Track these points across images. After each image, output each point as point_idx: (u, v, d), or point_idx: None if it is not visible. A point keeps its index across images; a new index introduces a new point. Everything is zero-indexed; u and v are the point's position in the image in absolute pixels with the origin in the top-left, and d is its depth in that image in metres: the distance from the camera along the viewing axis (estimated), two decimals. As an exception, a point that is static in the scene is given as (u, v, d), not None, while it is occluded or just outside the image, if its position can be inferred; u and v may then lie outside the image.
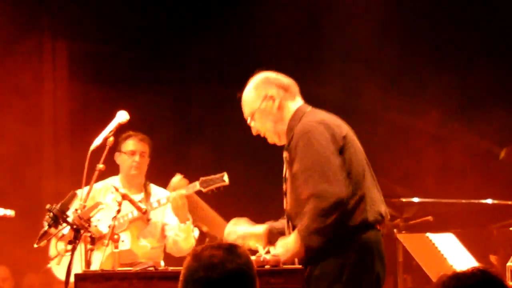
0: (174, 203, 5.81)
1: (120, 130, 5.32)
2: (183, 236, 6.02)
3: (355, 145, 4.53)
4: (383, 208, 4.51)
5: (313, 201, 4.32)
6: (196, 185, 5.64)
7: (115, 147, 5.82)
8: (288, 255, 4.45)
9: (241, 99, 4.72)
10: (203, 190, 5.59)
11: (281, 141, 4.63)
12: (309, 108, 4.64)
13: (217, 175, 5.63)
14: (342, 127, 4.53)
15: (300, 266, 4.46)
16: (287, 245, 4.46)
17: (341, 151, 4.44)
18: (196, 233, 6.06)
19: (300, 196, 4.44)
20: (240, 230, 4.74)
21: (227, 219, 4.99)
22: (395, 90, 8.56)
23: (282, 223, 4.72)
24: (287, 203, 4.61)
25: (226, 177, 5.59)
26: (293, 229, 4.52)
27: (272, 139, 4.68)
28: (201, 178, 5.64)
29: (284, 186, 4.64)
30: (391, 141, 8.08)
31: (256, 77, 4.72)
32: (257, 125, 4.66)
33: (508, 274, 5.53)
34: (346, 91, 8.14)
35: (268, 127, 4.64)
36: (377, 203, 4.49)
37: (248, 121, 4.68)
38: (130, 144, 6.17)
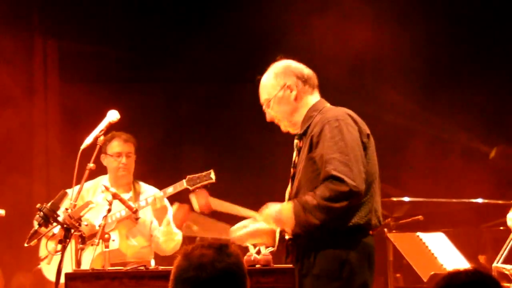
0: (153, 206, 5.81)
1: (110, 129, 5.32)
2: (162, 239, 6.03)
3: (373, 147, 4.55)
4: (380, 216, 4.54)
5: (331, 182, 4.30)
6: (183, 183, 5.63)
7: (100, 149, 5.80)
8: (280, 221, 4.44)
9: (259, 82, 4.68)
10: (190, 188, 5.57)
11: (295, 130, 4.62)
12: (328, 104, 4.64)
13: (204, 173, 5.62)
14: (365, 126, 4.55)
15: (291, 265, 4.47)
16: (282, 211, 4.44)
17: (364, 148, 4.46)
18: (179, 236, 6.06)
19: (316, 178, 4.39)
20: (251, 227, 4.66)
21: (218, 218, 4.97)
22: (385, 89, 8.59)
23: None
24: (292, 187, 4.58)
25: (212, 175, 5.58)
26: None
27: (285, 127, 4.66)
28: (188, 176, 5.62)
29: (291, 171, 4.61)
30: (381, 141, 8.09)
31: (277, 63, 4.69)
32: (272, 113, 4.63)
33: (494, 275, 5.54)
34: (338, 89, 8.15)
35: (283, 116, 4.61)
36: (379, 209, 4.52)
37: (264, 107, 4.66)
38: (115, 146, 6.14)
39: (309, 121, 4.55)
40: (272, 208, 4.51)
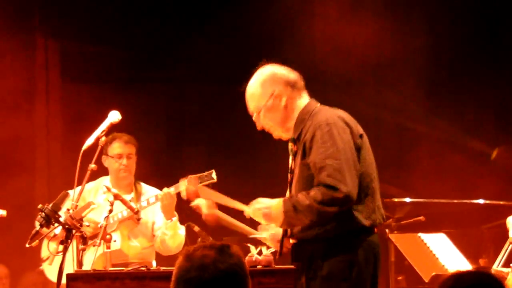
0: (163, 201, 5.81)
1: (111, 130, 5.32)
2: (170, 234, 6.01)
3: (368, 146, 4.54)
4: (383, 212, 4.55)
5: (323, 188, 4.31)
6: (185, 183, 5.63)
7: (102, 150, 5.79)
8: (269, 216, 4.47)
9: (244, 93, 4.66)
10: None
11: (287, 136, 4.60)
12: (318, 104, 4.62)
13: (206, 173, 5.62)
14: (358, 126, 4.54)
15: (292, 266, 4.47)
16: (272, 207, 4.46)
17: (358, 149, 4.44)
18: (182, 230, 6.05)
19: (311, 183, 4.40)
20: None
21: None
22: (388, 89, 8.59)
23: None
24: (290, 192, 4.59)
25: (214, 175, 5.58)
26: None
27: (277, 134, 4.64)
28: (190, 176, 5.62)
29: (289, 177, 4.61)
30: (384, 141, 8.10)
31: (261, 71, 4.65)
32: (262, 122, 4.61)
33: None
34: (340, 89, 8.15)
35: (276, 123, 4.59)
36: (381, 207, 4.53)
37: (254, 117, 4.64)
38: (116, 147, 6.14)
39: (301, 125, 4.53)
40: (262, 203, 4.52)
